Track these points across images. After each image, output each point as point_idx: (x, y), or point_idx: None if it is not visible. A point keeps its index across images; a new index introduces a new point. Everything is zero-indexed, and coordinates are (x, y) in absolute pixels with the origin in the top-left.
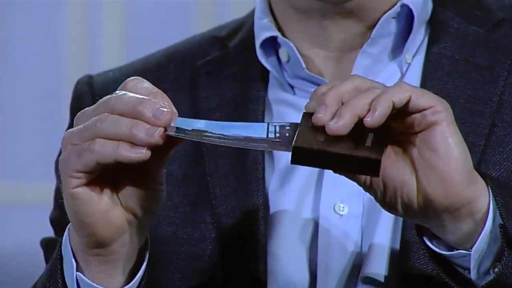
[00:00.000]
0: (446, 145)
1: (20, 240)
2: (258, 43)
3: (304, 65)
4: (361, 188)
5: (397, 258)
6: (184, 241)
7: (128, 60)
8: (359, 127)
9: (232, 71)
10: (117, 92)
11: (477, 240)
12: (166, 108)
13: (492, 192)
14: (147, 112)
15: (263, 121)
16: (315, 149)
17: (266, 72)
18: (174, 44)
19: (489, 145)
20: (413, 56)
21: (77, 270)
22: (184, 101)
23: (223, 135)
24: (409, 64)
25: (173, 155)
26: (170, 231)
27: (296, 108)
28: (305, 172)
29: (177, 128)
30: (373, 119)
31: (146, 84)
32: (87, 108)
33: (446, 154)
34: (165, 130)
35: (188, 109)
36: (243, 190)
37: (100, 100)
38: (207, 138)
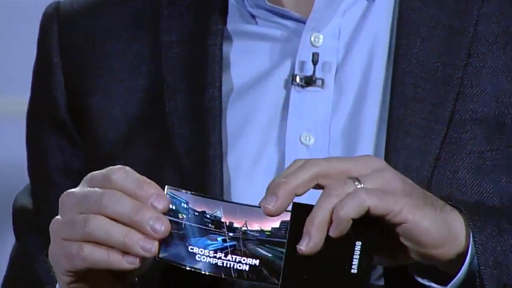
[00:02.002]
0: (423, 233)
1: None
2: None
3: None
4: (327, 117)
5: None
6: None
7: None
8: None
9: (193, 2)
10: (104, 188)
11: (451, 282)
12: (163, 220)
13: (473, 237)
14: (145, 225)
15: (221, 56)
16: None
17: (225, 3)
18: None
19: (466, 77)
20: None
21: None
22: (146, 38)
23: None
24: None
25: (136, 95)
26: None
27: (260, 38)
28: (270, 104)
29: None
30: (335, 234)
31: (133, 175)
32: (75, 191)
33: (425, 239)
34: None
35: (149, 44)
36: (201, 129)
37: (89, 191)
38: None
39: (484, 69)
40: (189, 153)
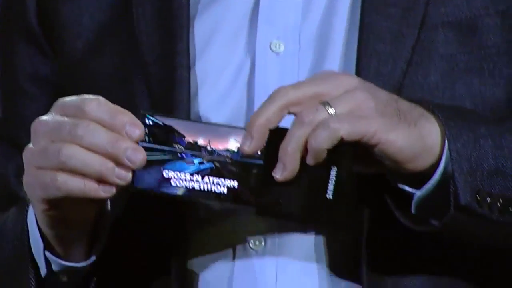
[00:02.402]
0: (397, 151)
1: None
2: None
3: None
4: (297, 23)
5: None
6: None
7: None
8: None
9: None
10: (77, 118)
11: (423, 186)
12: (139, 151)
13: (448, 145)
14: (122, 156)
15: None
16: (276, 214)
17: None
18: None
19: None
20: None
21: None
22: None
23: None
24: None
25: (105, 2)
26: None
27: None
28: (238, 12)
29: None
30: (310, 163)
31: (106, 105)
32: (47, 119)
33: (400, 157)
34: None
35: None
36: (168, 37)
37: (62, 120)
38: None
39: None
40: (156, 61)
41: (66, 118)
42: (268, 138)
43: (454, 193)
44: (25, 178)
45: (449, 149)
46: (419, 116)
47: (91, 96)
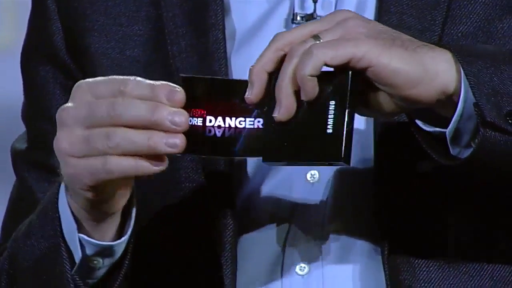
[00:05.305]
0: (392, 74)
1: None
2: None
3: None
4: None
5: None
6: None
7: None
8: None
9: None
10: (111, 96)
11: (451, 119)
12: (181, 112)
13: (463, 70)
14: (166, 121)
15: None
16: (281, 158)
17: None
18: None
19: (454, 0)
20: None
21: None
22: None
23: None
24: None
25: (136, 39)
26: None
27: None
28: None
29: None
30: (304, 97)
31: (144, 81)
32: (73, 105)
33: (396, 80)
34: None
35: None
36: (206, 72)
37: (95, 104)
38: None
39: None
40: None
41: (99, 100)
42: (270, 86)
43: (479, 113)
44: (67, 170)
45: (465, 73)
46: (421, 46)
47: (120, 76)
